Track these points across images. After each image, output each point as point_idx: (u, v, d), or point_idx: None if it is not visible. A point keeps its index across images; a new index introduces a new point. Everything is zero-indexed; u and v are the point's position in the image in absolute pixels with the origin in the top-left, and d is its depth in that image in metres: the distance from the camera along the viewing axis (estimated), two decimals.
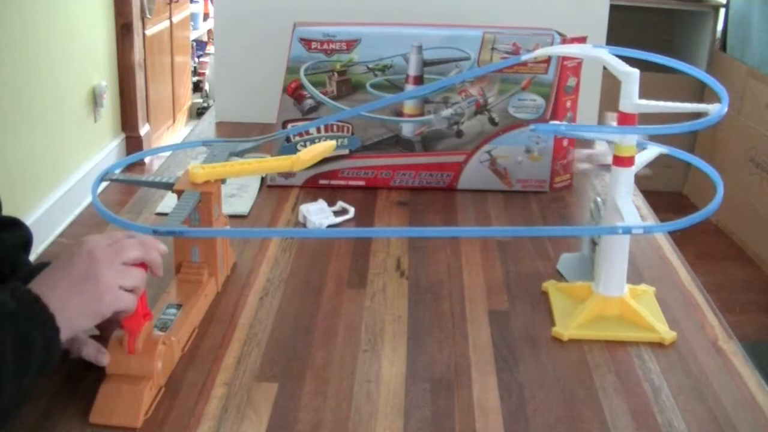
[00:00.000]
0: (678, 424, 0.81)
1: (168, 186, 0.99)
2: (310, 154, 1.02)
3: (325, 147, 1.05)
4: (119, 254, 0.80)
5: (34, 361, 0.72)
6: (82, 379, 0.83)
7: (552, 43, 1.29)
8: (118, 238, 0.82)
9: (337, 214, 1.24)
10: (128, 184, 1.10)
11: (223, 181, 1.02)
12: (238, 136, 1.21)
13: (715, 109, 0.87)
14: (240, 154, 1.08)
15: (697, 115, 0.88)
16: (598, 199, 1.05)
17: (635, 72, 0.92)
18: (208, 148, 1.09)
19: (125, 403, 0.78)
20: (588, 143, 1.56)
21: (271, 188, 1.34)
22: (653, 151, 0.99)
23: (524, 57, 1.12)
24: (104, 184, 0.98)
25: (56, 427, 0.77)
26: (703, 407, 0.83)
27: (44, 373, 0.76)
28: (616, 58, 0.95)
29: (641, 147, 0.99)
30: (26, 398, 0.75)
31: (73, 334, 0.78)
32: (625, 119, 0.92)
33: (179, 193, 0.96)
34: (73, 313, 0.76)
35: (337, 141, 1.31)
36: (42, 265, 0.92)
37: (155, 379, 0.81)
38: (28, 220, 2.72)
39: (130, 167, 3.47)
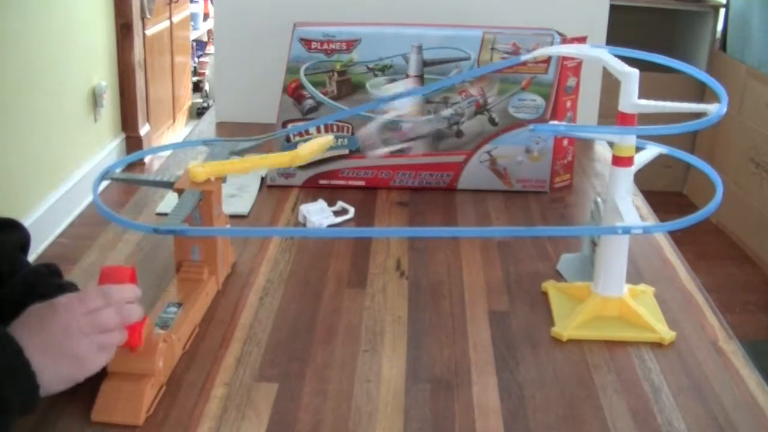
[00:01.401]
0: (678, 424, 0.81)
1: (169, 185, 0.99)
2: (309, 149, 1.02)
3: (324, 141, 1.05)
4: (96, 325, 0.76)
5: (10, 413, 0.71)
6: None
7: (552, 43, 1.29)
8: (93, 308, 0.77)
9: (337, 214, 1.24)
10: (129, 183, 1.10)
11: (224, 180, 1.02)
12: (238, 136, 1.21)
13: (714, 109, 0.87)
14: (240, 153, 1.08)
15: (697, 115, 0.88)
16: (598, 199, 1.05)
17: (635, 72, 0.91)
18: (208, 148, 1.09)
19: (127, 400, 0.78)
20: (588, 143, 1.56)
21: (271, 188, 1.34)
22: (653, 151, 0.99)
23: (524, 57, 1.12)
24: (104, 184, 0.98)
25: (56, 426, 0.77)
26: (703, 407, 0.84)
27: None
28: (616, 58, 0.95)
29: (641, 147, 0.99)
30: None
31: (50, 394, 0.76)
32: (625, 119, 0.92)
33: (180, 191, 0.96)
34: (51, 380, 0.74)
35: (337, 141, 1.32)
36: (41, 266, 0.92)
37: (156, 377, 0.81)
38: (28, 221, 2.72)
39: (129, 167, 3.48)
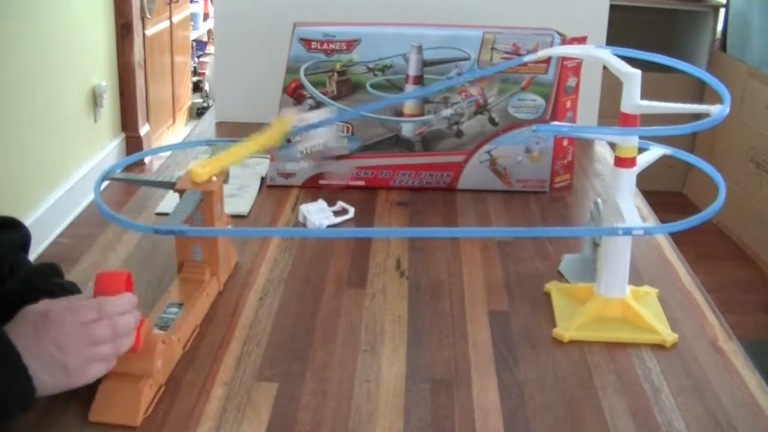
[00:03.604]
0: (678, 424, 0.81)
1: (170, 185, 0.99)
2: (286, 121, 1.04)
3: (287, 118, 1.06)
4: (88, 338, 0.76)
5: (6, 415, 0.72)
6: None
7: (552, 43, 1.29)
8: (86, 320, 0.76)
9: (337, 214, 1.24)
10: (130, 183, 1.10)
11: (226, 180, 1.02)
12: (238, 136, 1.20)
13: (717, 110, 0.87)
14: None
15: (697, 115, 0.88)
16: (599, 200, 1.05)
17: (637, 73, 0.91)
18: (211, 148, 1.09)
19: (125, 401, 0.78)
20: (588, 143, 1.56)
21: (271, 188, 1.34)
22: (656, 152, 0.99)
23: (527, 58, 1.12)
24: (104, 184, 0.98)
25: (56, 426, 0.77)
26: (703, 407, 0.83)
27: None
28: (618, 59, 0.95)
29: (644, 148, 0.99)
30: None
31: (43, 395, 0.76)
32: (627, 120, 0.92)
33: (181, 192, 0.96)
34: (42, 386, 0.74)
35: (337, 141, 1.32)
36: (42, 266, 0.92)
37: (155, 377, 0.81)
38: (28, 220, 2.72)
39: (128, 167, 3.47)
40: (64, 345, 0.74)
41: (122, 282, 0.80)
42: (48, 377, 0.74)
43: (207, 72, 4.82)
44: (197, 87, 4.87)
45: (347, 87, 1.31)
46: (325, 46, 1.29)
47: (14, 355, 0.72)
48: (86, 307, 0.77)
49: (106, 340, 0.76)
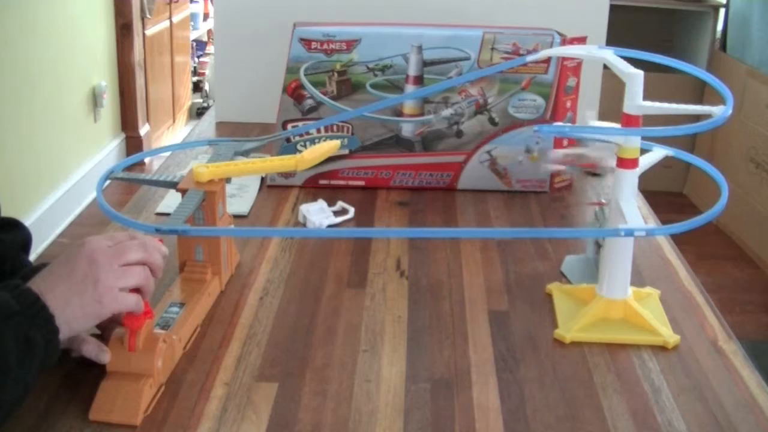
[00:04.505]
0: (678, 424, 0.81)
1: (172, 185, 0.99)
2: (314, 153, 1.02)
3: (329, 146, 1.05)
4: (120, 256, 0.80)
5: (36, 359, 0.73)
6: (82, 378, 0.83)
7: (552, 43, 1.29)
8: (119, 239, 0.82)
9: (337, 214, 1.24)
10: (132, 182, 1.10)
11: (228, 180, 1.02)
12: (238, 136, 1.21)
13: (719, 111, 0.87)
14: (245, 153, 1.08)
15: (698, 116, 0.88)
16: (603, 201, 1.04)
17: (640, 74, 0.91)
18: (213, 148, 1.09)
19: (125, 400, 0.78)
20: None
21: (271, 188, 1.34)
22: (659, 153, 0.99)
23: (529, 58, 1.12)
24: (104, 184, 0.98)
25: (56, 426, 0.77)
26: (703, 407, 0.83)
27: (44, 370, 0.76)
28: (621, 60, 0.95)
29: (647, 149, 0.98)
30: (26, 395, 0.75)
31: (73, 334, 0.78)
32: (630, 121, 0.92)
33: (183, 191, 0.96)
34: (72, 315, 0.76)
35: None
36: (42, 267, 0.92)
37: (155, 376, 0.81)
38: (28, 220, 2.72)
39: (128, 167, 3.47)
40: (97, 260, 0.78)
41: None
42: (78, 300, 0.76)
43: (207, 72, 4.82)
44: (197, 87, 4.87)
45: (347, 87, 1.31)
46: (325, 46, 1.29)
47: (32, 297, 0.74)
48: (120, 233, 0.84)
49: (137, 260, 0.81)
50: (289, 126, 1.31)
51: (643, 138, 0.97)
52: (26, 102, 2.83)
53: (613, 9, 1.64)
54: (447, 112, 1.32)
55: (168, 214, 1.09)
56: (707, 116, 0.87)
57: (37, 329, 0.73)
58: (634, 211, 0.92)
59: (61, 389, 0.82)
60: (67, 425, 0.77)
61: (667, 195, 3.52)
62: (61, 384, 0.83)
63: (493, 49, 1.29)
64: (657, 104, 0.91)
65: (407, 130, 1.33)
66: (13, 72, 2.72)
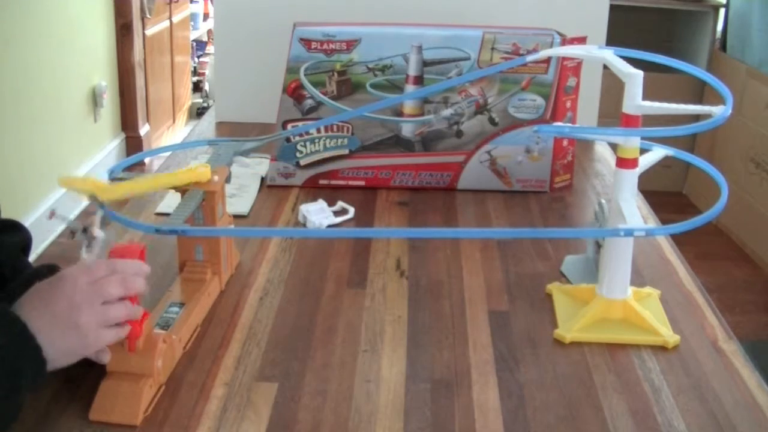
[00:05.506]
0: (678, 424, 0.81)
1: None
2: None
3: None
4: (99, 294, 0.77)
5: (23, 387, 0.73)
6: (82, 379, 0.83)
7: (552, 43, 1.29)
8: (98, 277, 0.78)
9: (337, 214, 1.24)
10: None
11: (228, 179, 1.02)
12: (238, 136, 1.21)
13: (719, 111, 0.87)
14: (245, 153, 1.08)
15: (698, 116, 0.88)
16: (603, 200, 1.04)
17: (639, 74, 0.91)
18: (212, 148, 1.09)
19: (125, 400, 0.78)
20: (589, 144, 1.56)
21: (271, 188, 1.34)
22: (658, 153, 0.99)
23: (529, 58, 1.12)
24: None
25: (56, 426, 0.77)
26: (703, 407, 0.83)
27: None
28: (621, 60, 0.95)
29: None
30: (17, 415, 0.75)
31: (57, 368, 0.76)
32: (629, 121, 0.92)
33: (182, 191, 0.96)
34: (57, 353, 0.75)
35: (337, 141, 1.32)
36: (43, 267, 0.92)
37: (155, 377, 0.81)
38: (28, 221, 2.72)
39: (128, 167, 3.47)
40: (77, 302, 0.75)
41: (136, 254, 0.82)
42: (61, 341, 0.74)
43: (207, 72, 4.82)
44: (197, 87, 4.87)
45: (347, 87, 1.31)
46: (325, 46, 1.29)
47: (19, 326, 0.73)
48: (98, 264, 0.79)
49: (116, 296, 0.78)
50: (289, 126, 1.31)
51: (643, 138, 0.97)
52: (26, 102, 2.83)
53: (613, 9, 1.64)
54: (447, 112, 1.32)
55: (168, 214, 1.09)
56: (707, 116, 0.87)
57: (25, 362, 0.72)
58: (633, 211, 0.92)
59: (61, 389, 0.82)
60: (67, 425, 0.77)
61: (667, 195, 3.52)
62: (61, 384, 0.83)
63: (493, 49, 1.29)
64: (657, 104, 0.91)
65: (407, 130, 1.33)
66: (13, 72, 2.72)
